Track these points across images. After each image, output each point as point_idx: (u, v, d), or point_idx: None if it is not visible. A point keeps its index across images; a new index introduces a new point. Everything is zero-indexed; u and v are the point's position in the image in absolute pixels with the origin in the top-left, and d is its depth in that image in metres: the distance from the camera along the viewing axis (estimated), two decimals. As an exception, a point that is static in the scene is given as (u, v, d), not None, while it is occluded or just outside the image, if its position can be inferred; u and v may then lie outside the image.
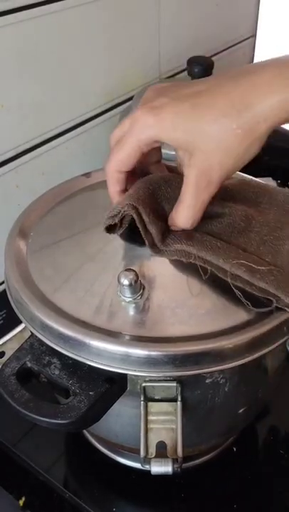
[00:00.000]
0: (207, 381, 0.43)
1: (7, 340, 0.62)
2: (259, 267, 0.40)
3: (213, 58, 0.80)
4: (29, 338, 0.44)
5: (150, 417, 0.42)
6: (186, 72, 0.74)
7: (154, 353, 0.40)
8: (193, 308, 0.41)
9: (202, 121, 0.39)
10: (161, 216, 0.44)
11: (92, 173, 0.57)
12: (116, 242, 0.46)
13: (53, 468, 0.56)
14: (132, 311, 0.41)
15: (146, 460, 0.41)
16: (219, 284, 0.42)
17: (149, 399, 0.42)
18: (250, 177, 0.54)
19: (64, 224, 0.51)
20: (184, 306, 0.42)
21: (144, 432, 0.41)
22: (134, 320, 0.41)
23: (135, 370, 0.39)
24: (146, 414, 0.42)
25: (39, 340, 0.43)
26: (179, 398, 0.41)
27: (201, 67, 0.72)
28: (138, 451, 0.41)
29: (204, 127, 0.39)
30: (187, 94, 0.40)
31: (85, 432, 0.58)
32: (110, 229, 0.44)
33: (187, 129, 0.39)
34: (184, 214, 0.42)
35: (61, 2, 0.66)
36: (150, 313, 0.41)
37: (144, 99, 0.42)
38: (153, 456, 0.41)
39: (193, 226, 0.43)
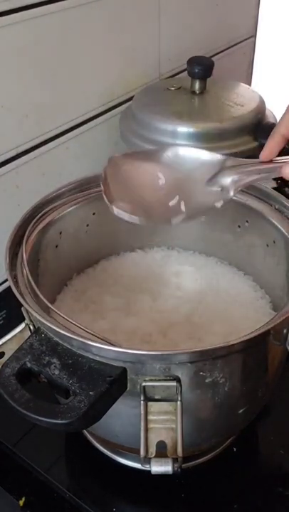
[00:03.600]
0: (207, 381, 0.43)
1: (7, 341, 0.62)
2: None
3: (214, 58, 0.80)
4: (29, 338, 0.44)
5: (150, 417, 0.42)
6: (186, 72, 0.74)
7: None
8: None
9: None
10: None
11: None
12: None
13: (53, 468, 0.56)
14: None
15: (147, 460, 0.41)
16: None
17: (149, 398, 0.42)
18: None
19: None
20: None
21: (144, 432, 0.41)
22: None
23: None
24: (147, 413, 0.42)
25: (39, 340, 0.43)
26: (179, 398, 0.41)
27: (201, 68, 0.72)
28: (138, 451, 0.41)
29: None
30: None
31: (85, 431, 0.58)
32: None
33: None
34: None
35: (61, 2, 0.66)
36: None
37: None
38: (153, 455, 0.41)
39: None
